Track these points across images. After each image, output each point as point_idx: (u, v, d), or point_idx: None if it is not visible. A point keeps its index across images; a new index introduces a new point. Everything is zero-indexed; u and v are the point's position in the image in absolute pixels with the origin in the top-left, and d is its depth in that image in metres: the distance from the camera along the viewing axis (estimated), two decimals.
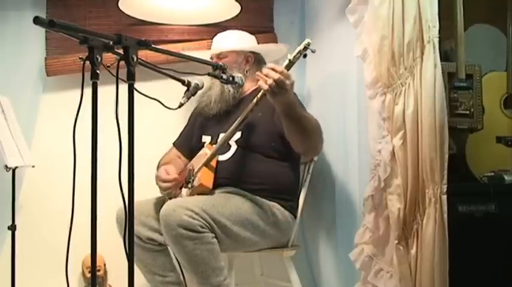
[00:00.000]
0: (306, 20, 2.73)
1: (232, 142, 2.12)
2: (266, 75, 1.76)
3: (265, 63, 2.36)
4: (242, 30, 2.40)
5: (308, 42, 1.74)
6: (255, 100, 1.88)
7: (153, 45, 1.44)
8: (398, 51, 1.79)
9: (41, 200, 2.59)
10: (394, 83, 1.81)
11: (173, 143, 2.43)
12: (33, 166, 2.37)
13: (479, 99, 2.18)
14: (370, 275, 1.90)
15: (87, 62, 1.29)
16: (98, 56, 1.29)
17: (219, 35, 2.37)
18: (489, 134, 2.24)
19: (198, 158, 2.14)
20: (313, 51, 1.75)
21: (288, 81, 1.76)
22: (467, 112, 2.14)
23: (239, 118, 1.95)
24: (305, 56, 1.76)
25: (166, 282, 2.13)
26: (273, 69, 1.76)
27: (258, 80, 1.82)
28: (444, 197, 1.74)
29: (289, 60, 1.77)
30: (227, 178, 2.09)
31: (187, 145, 2.36)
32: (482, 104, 2.20)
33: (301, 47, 1.75)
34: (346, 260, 2.03)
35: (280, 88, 1.76)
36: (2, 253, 2.46)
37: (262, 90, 1.80)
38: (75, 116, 1.30)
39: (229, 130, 2.00)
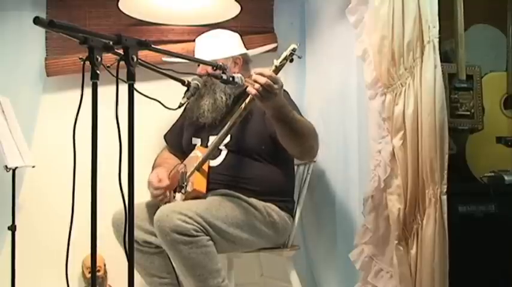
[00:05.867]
0: (306, 20, 2.73)
1: (222, 146, 2.09)
2: (254, 81, 1.75)
3: (251, 61, 2.31)
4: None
5: (294, 48, 1.72)
6: (243, 105, 1.86)
7: (153, 46, 1.44)
8: (398, 52, 1.80)
9: (41, 200, 2.59)
10: (394, 83, 1.81)
11: (164, 137, 2.40)
12: (33, 166, 2.37)
13: (480, 100, 2.18)
14: (370, 275, 1.91)
15: (87, 62, 1.29)
16: (97, 57, 1.29)
17: (201, 40, 2.28)
18: (489, 134, 2.25)
19: (189, 160, 2.12)
20: (299, 57, 1.74)
21: (276, 85, 1.74)
22: (468, 113, 2.15)
23: (228, 123, 1.92)
24: (291, 61, 1.75)
25: (165, 283, 2.13)
26: (260, 74, 1.74)
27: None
28: (444, 197, 1.75)
29: (276, 66, 1.76)
30: (219, 183, 2.06)
31: (178, 141, 2.32)
32: (483, 104, 2.20)
33: (287, 52, 1.73)
34: (346, 261, 2.03)
35: (268, 92, 1.74)
36: (2, 253, 2.45)
37: (250, 95, 1.80)
38: (75, 116, 1.30)
39: (219, 135, 1.97)
